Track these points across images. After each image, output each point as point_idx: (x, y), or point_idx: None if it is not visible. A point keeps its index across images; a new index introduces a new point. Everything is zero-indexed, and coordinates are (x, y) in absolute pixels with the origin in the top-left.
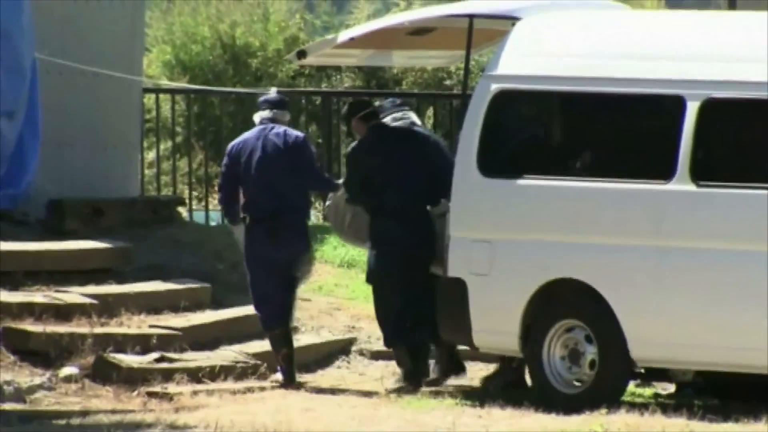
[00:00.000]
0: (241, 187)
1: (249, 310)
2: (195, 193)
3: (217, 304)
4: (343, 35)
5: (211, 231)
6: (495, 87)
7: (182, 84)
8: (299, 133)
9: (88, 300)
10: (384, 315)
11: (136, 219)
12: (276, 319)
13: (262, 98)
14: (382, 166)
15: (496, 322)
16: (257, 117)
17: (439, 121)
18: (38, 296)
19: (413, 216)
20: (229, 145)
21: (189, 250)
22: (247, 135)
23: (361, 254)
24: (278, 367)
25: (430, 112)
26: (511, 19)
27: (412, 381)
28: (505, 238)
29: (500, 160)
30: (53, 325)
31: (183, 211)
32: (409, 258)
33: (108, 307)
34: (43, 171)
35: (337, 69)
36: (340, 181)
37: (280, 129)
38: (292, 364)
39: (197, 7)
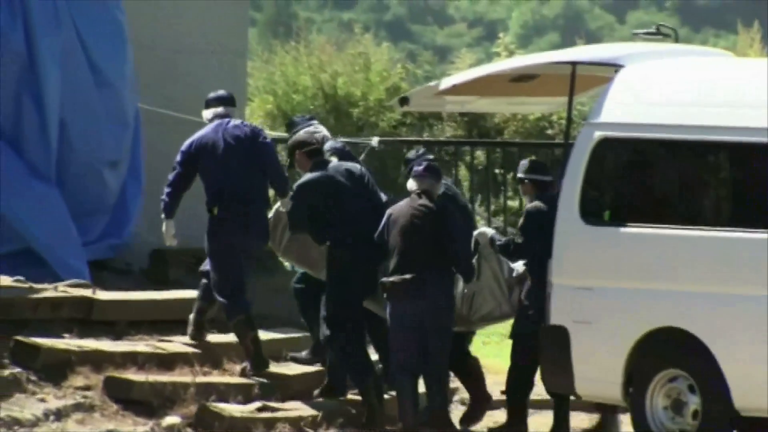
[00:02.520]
0: (205, 181)
1: None
2: None
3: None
4: (446, 82)
5: None
6: (598, 135)
7: (284, 134)
8: (257, 125)
9: (190, 349)
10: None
11: None
12: (243, 306)
13: (212, 95)
14: (338, 200)
15: (598, 371)
16: (210, 113)
17: None
18: (141, 345)
19: (367, 248)
20: (186, 142)
21: (291, 299)
22: (203, 132)
23: None
24: (246, 354)
25: None
26: (614, 67)
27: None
28: (608, 285)
29: (603, 207)
30: (156, 374)
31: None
32: (367, 287)
33: (210, 356)
34: (146, 221)
35: (438, 118)
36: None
37: (237, 121)
38: (260, 346)
39: (299, 57)
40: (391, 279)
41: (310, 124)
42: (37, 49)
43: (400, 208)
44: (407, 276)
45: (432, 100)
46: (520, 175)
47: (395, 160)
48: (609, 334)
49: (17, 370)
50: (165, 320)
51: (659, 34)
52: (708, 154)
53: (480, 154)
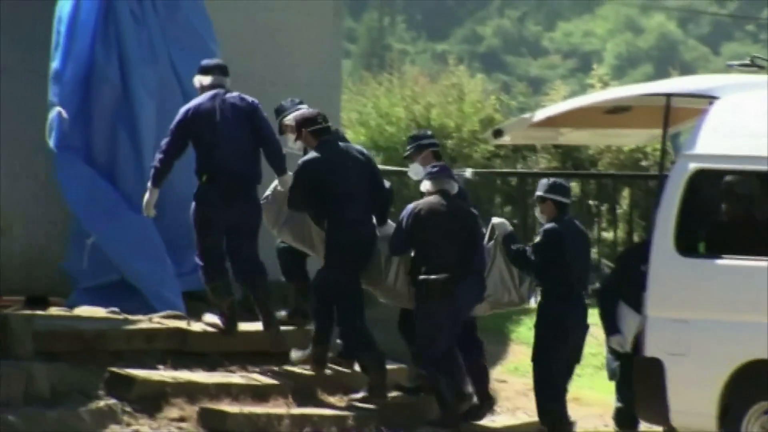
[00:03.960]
0: (197, 150)
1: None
2: None
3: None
4: (540, 114)
5: None
6: (693, 166)
7: (387, 167)
8: (254, 99)
9: (284, 380)
10: (349, 323)
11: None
12: (221, 272)
13: (210, 62)
14: (340, 179)
15: (693, 403)
16: (206, 80)
17: (636, 201)
18: (235, 377)
19: (369, 228)
20: (182, 109)
21: (386, 331)
22: (200, 99)
23: None
24: (219, 315)
25: (626, 192)
26: (709, 98)
27: (380, 393)
28: (703, 317)
29: (698, 239)
30: (250, 406)
31: None
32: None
33: (304, 388)
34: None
35: (532, 149)
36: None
37: (234, 93)
38: (235, 313)
39: (392, 88)
40: (433, 278)
41: (298, 109)
42: (132, 80)
43: (431, 205)
44: (446, 275)
45: (526, 132)
46: (540, 193)
47: (489, 192)
48: (704, 366)
49: (112, 401)
50: (259, 351)
51: (754, 65)
52: None
53: (574, 186)
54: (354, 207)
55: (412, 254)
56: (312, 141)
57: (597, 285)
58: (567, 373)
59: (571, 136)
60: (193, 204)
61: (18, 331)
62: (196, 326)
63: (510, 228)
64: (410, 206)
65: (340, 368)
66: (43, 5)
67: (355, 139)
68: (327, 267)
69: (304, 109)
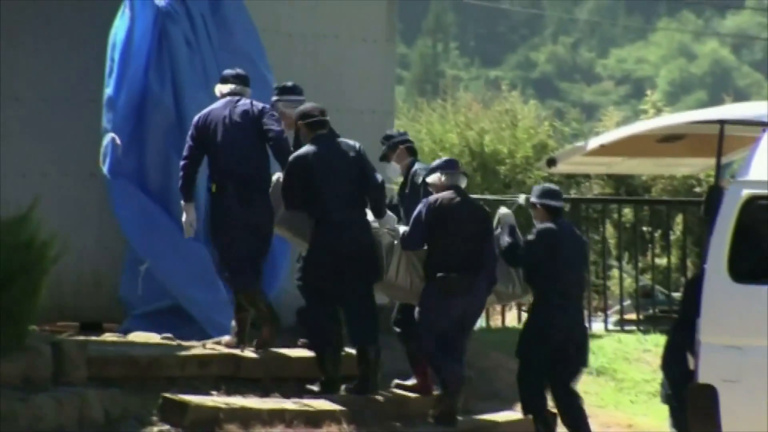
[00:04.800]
0: (208, 156)
1: (497, 417)
2: None
3: (466, 412)
4: (593, 142)
5: None
6: (746, 192)
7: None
8: (265, 105)
9: (337, 407)
10: (315, 320)
11: (384, 326)
12: (251, 281)
13: (230, 72)
14: (328, 177)
15: (746, 429)
16: (226, 88)
17: (689, 227)
18: (288, 403)
19: (355, 230)
20: (196, 117)
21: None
22: (213, 106)
23: (611, 361)
24: (238, 327)
25: (679, 218)
26: (762, 125)
27: (332, 388)
28: (756, 344)
29: (752, 265)
30: None
31: None
32: (350, 266)
33: (358, 414)
34: (293, 278)
35: (586, 176)
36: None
37: (246, 100)
38: (273, 311)
39: (446, 114)
40: (454, 275)
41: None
42: (185, 105)
43: (448, 200)
44: (465, 272)
45: (579, 160)
46: (532, 199)
47: None
48: (757, 393)
49: (166, 427)
50: (312, 378)
51: None
52: None
53: (627, 212)
54: (340, 207)
55: (427, 246)
56: (307, 133)
57: (651, 312)
58: (547, 368)
59: (624, 165)
60: (208, 215)
61: (72, 357)
62: (249, 352)
63: (513, 221)
64: (427, 200)
65: (394, 393)
66: (97, 32)
67: None
68: (305, 263)
69: (306, 104)
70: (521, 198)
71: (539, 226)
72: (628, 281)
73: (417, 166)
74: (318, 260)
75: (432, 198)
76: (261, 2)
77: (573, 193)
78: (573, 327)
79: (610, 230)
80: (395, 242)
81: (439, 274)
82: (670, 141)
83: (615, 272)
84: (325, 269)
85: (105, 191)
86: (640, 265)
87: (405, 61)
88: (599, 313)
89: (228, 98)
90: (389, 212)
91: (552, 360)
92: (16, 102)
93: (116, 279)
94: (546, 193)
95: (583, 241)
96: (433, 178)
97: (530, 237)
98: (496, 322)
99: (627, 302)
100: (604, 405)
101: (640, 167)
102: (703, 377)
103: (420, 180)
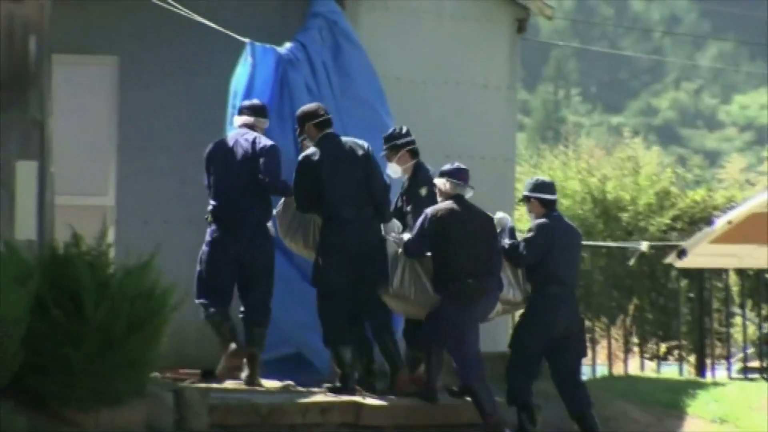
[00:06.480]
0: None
1: None
2: None
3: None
4: (720, 219)
5: None
6: None
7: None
8: (269, 141)
9: None
10: (330, 318)
11: None
12: (219, 304)
13: (247, 103)
14: (334, 176)
15: None
16: (239, 120)
17: None
18: None
19: (361, 229)
20: (208, 147)
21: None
22: (223, 138)
23: (734, 409)
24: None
25: None
26: None
27: (349, 383)
28: None
29: None
30: None
31: None
32: (359, 264)
33: None
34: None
35: (708, 222)
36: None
37: (251, 135)
38: (236, 334)
39: (567, 161)
40: (471, 281)
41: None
42: None
43: (450, 210)
44: (480, 278)
45: (710, 251)
46: (525, 193)
47: (665, 265)
48: None
49: None
50: (434, 425)
51: None
52: None
53: None
54: (348, 205)
55: (433, 258)
56: (315, 133)
57: None
58: (540, 362)
59: (756, 254)
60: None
61: (194, 404)
62: (371, 399)
63: (511, 223)
64: (429, 210)
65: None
66: (219, 83)
67: None
68: (316, 263)
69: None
70: (643, 245)
71: (535, 222)
72: (752, 329)
73: (431, 170)
74: (328, 258)
75: (431, 210)
76: (381, 49)
77: None
78: (572, 317)
79: (732, 277)
80: (399, 251)
81: (452, 283)
82: None
83: (738, 319)
84: (336, 267)
85: None
86: (763, 312)
87: (526, 108)
88: (722, 361)
89: (239, 131)
90: (394, 219)
91: (553, 352)
92: (141, 151)
93: (238, 326)
94: (540, 186)
95: (578, 234)
96: (438, 182)
97: (528, 234)
98: (618, 369)
99: (750, 350)
100: None
101: None
102: None
103: (424, 192)
